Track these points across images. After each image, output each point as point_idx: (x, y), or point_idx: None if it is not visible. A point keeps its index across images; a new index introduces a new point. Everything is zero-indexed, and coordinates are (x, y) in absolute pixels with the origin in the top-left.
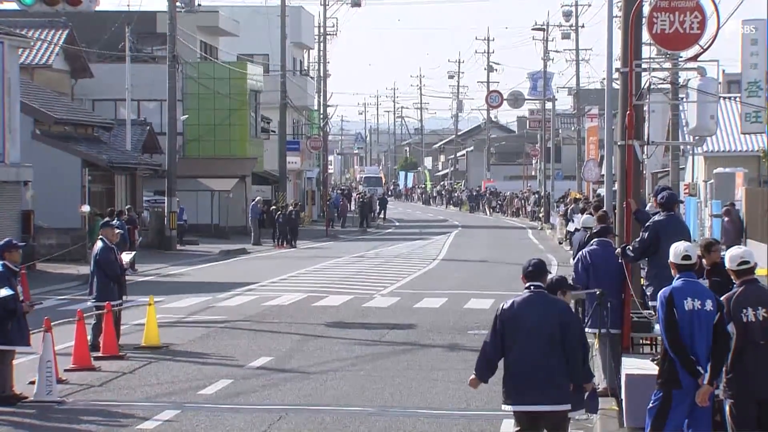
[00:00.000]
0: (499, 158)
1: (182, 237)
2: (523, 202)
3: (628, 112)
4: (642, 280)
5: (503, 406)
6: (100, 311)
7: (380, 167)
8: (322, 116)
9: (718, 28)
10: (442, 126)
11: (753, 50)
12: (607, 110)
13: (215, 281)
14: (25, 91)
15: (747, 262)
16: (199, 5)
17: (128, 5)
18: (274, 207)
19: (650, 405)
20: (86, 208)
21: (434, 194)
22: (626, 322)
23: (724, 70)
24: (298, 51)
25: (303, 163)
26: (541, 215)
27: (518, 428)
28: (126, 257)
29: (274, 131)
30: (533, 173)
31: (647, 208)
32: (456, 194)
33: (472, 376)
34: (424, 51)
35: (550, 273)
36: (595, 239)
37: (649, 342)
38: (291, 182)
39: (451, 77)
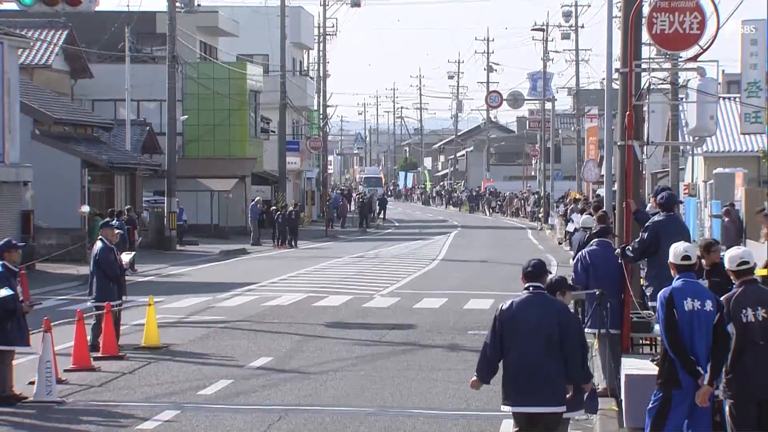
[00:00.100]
0: (498, 158)
1: (182, 237)
2: (522, 202)
3: (627, 113)
4: (641, 280)
5: (502, 407)
6: (99, 311)
7: (380, 167)
8: (321, 116)
9: (718, 28)
10: (441, 126)
11: (753, 50)
12: (606, 110)
13: (215, 281)
14: (25, 92)
15: (746, 263)
16: (198, 5)
17: (128, 5)
18: (274, 207)
19: (650, 405)
20: (86, 209)
21: (434, 194)
22: (626, 322)
23: (723, 71)
24: (298, 51)
25: (303, 164)
26: (540, 215)
27: (517, 429)
28: (126, 257)
29: (274, 131)
30: (533, 173)
31: (647, 208)
32: (456, 194)
33: (474, 378)
34: (424, 51)
35: (551, 273)
36: (595, 239)
37: (648, 342)
38: (291, 182)
39: (450, 77)
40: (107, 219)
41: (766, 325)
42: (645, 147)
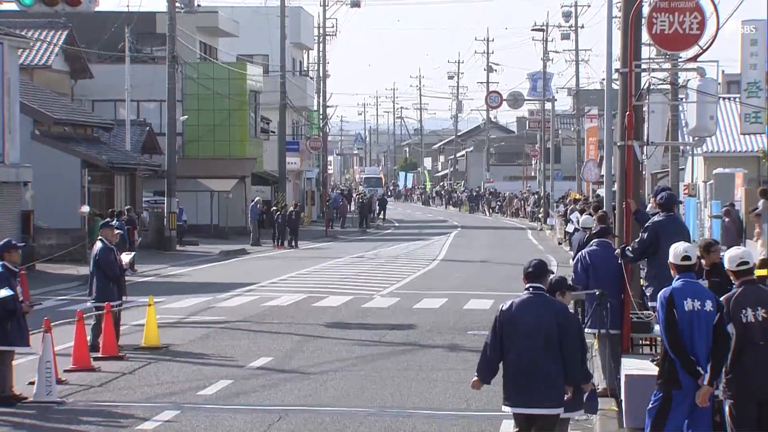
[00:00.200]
0: (498, 159)
1: (182, 237)
2: (522, 202)
3: (627, 113)
4: (641, 280)
5: (503, 407)
6: (99, 312)
7: (380, 168)
8: (321, 117)
9: (718, 28)
10: (441, 126)
11: (753, 50)
12: (606, 111)
13: (215, 282)
14: (25, 92)
15: (746, 263)
16: (198, 6)
17: (128, 6)
18: (274, 208)
19: (650, 405)
20: (86, 209)
21: (434, 195)
22: (626, 322)
23: (723, 71)
24: (298, 51)
25: (302, 164)
26: (540, 216)
27: (517, 429)
28: (125, 258)
29: (274, 132)
30: (533, 174)
31: (647, 208)
32: (455, 195)
33: (475, 378)
34: (424, 51)
35: (552, 273)
36: (595, 240)
37: (648, 342)
38: (290, 183)
39: (450, 78)
40: (107, 219)
41: (766, 325)
42: (645, 147)
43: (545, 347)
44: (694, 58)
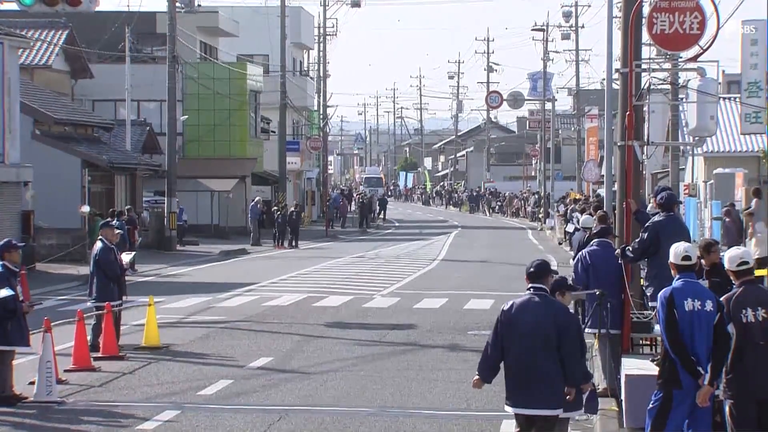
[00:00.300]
0: (498, 159)
1: (182, 237)
2: (522, 202)
3: (627, 113)
4: (642, 280)
5: (505, 407)
6: (99, 312)
7: (380, 168)
8: (321, 117)
9: (718, 28)
10: (441, 126)
11: (753, 50)
12: (607, 111)
13: (215, 281)
14: (25, 92)
15: (746, 263)
16: (199, 6)
17: (128, 5)
18: (275, 208)
19: (650, 405)
20: (86, 209)
21: (434, 195)
22: (626, 322)
23: (724, 71)
24: (298, 51)
25: (303, 164)
26: (540, 216)
27: (518, 429)
28: (126, 258)
29: (274, 132)
30: (533, 174)
31: (647, 208)
32: (456, 195)
33: (476, 377)
34: (424, 51)
35: (556, 273)
36: (595, 240)
37: (648, 342)
38: (291, 182)
39: (451, 77)
40: (107, 219)
41: (766, 325)
42: (645, 147)
43: (544, 347)
44: (694, 58)
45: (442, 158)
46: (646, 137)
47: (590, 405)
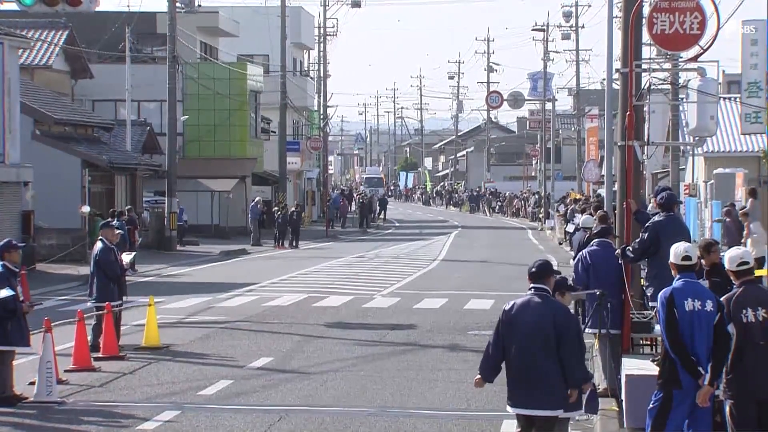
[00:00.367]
0: (499, 159)
1: (182, 237)
2: (523, 202)
3: (628, 113)
4: (642, 280)
5: (507, 407)
6: (100, 312)
7: (381, 168)
8: (322, 117)
9: (718, 28)
10: (442, 126)
11: (753, 50)
12: (607, 111)
13: (215, 282)
14: (25, 92)
15: (746, 263)
16: (199, 6)
17: (128, 6)
18: (275, 208)
19: (650, 405)
20: (86, 209)
21: (434, 195)
22: (626, 322)
23: (724, 71)
24: (298, 51)
25: (303, 164)
26: (541, 216)
27: (519, 429)
28: (126, 258)
29: (274, 132)
30: (533, 174)
31: (648, 208)
32: (456, 195)
33: (477, 376)
34: (424, 51)
35: (559, 274)
36: (596, 240)
37: (649, 342)
38: (291, 183)
39: (451, 78)
40: (108, 219)
41: (766, 325)
42: (645, 147)
43: (544, 348)
44: (694, 58)
45: (442, 158)
46: (646, 137)
47: (590, 405)
